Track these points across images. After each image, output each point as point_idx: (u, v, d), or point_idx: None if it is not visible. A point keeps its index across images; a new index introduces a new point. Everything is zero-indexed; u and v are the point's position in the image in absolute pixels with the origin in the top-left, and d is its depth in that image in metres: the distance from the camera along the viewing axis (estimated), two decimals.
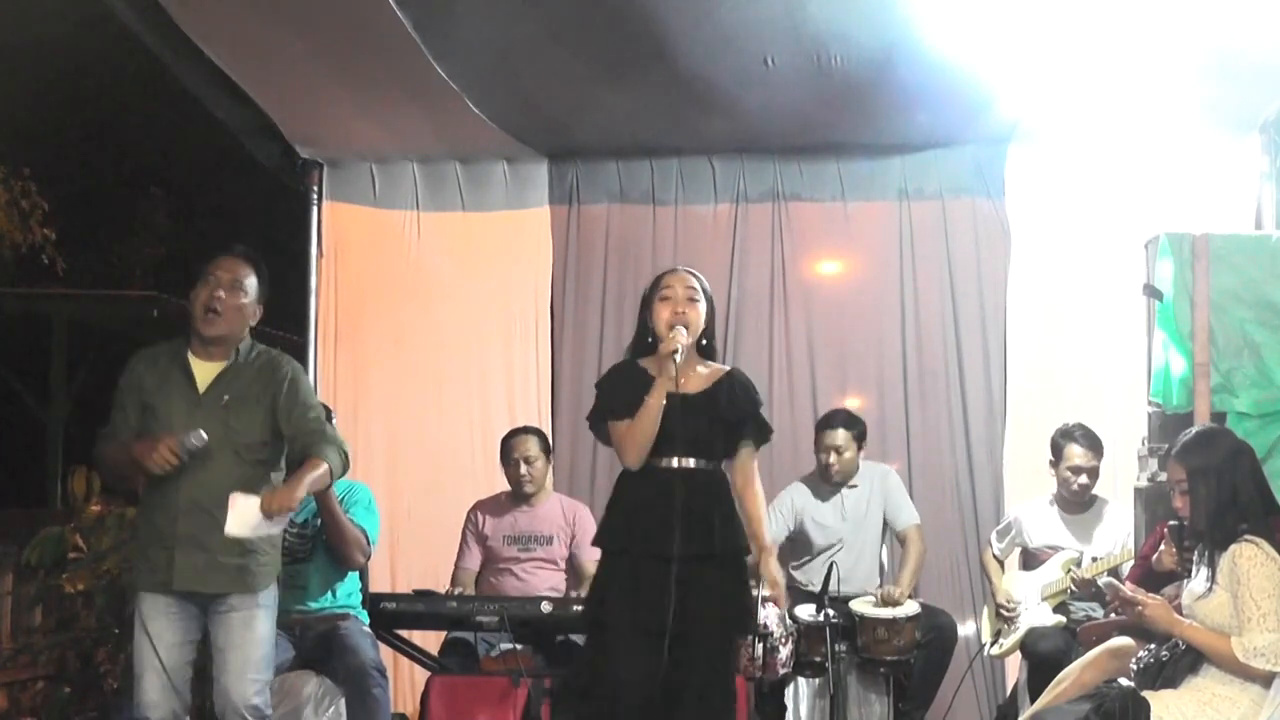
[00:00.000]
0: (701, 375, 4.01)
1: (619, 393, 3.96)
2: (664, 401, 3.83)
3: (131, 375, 4.09)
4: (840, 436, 5.54)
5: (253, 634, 3.99)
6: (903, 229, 6.26)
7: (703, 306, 3.99)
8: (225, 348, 4.09)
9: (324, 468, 4.00)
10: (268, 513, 3.83)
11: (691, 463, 3.90)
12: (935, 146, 6.18)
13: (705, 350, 4.05)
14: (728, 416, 3.96)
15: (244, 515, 3.84)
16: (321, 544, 4.96)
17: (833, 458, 5.55)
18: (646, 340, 3.99)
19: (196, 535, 3.94)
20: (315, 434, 4.06)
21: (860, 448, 5.61)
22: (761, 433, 4.06)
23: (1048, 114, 5.76)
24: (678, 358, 3.84)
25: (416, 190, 6.48)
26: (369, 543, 4.97)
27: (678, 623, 3.76)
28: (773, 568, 3.99)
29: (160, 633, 3.96)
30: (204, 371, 4.06)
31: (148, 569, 4.00)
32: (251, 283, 4.09)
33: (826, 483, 5.62)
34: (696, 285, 4.00)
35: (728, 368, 4.11)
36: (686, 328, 3.92)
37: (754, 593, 4.80)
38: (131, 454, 3.94)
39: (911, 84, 5.38)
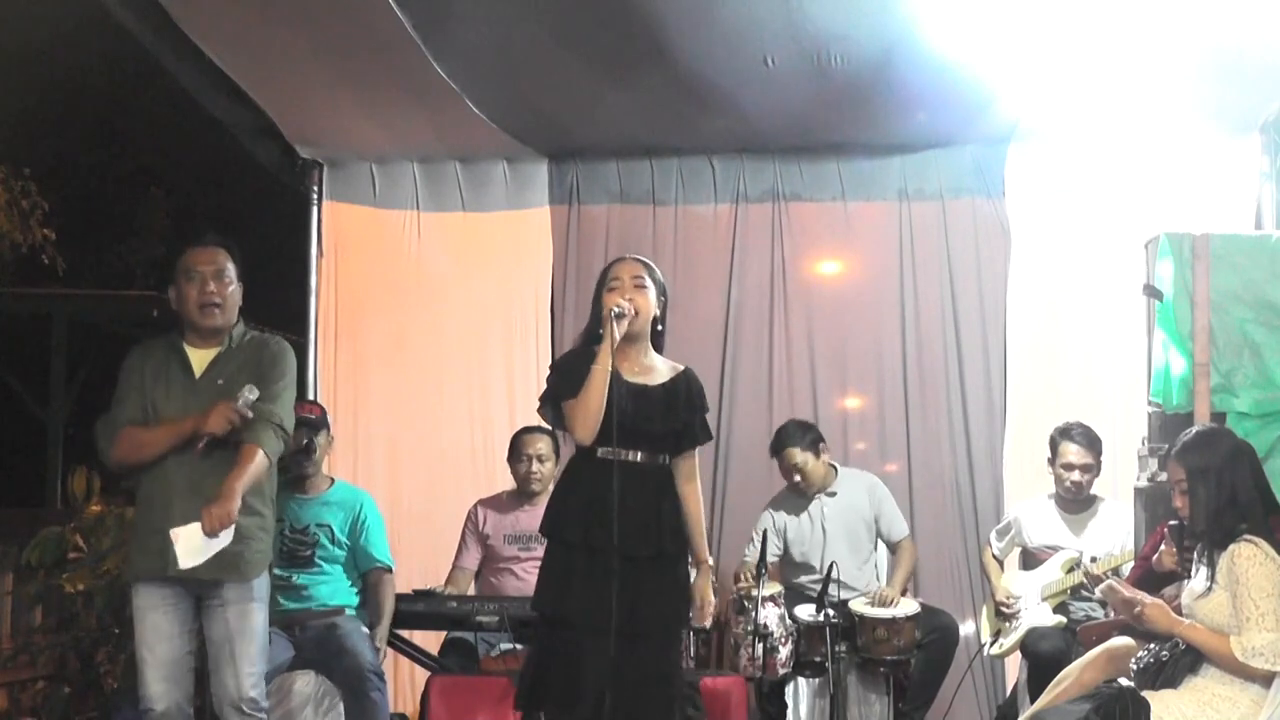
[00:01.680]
0: (657, 369, 4.02)
1: (571, 374, 3.94)
2: (609, 367, 3.82)
3: (131, 365, 4.13)
4: (796, 456, 5.52)
5: (247, 626, 4.01)
6: (903, 229, 6.26)
7: (652, 293, 3.99)
8: (221, 334, 4.14)
9: (259, 456, 3.98)
10: (210, 532, 3.85)
11: (642, 457, 3.90)
12: (935, 146, 6.18)
13: (657, 339, 4.06)
14: (685, 415, 3.97)
15: (191, 544, 3.86)
16: (322, 550, 4.97)
17: (796, 477, 5.55)
18: (598, 331, 3.96)
19: (192, 521, 3.93)
20: (260, 415, 4.01)
21: (819, 453, 5.57)
22: (706, 435, 4.08)
23: (1047, 114, 5.76)
24: (615, 311, 3.85)
25: (417, 190, 6.48)
26: (391, 571, 5.07)
27: (629, 620, 3.76)
28: (707, 586, 4.00)
29: (158, 624, 3.99)
30: (199, 358, 4.12)
31: (143, 556, 4.02)
32: (232, 268, 4.15)
33: (800, 496, 5.61)
34: (643, 273, 4.01)
35: (682, 367, 4.10)
36: (637, 314, 3.92)
37: (753, 593, 4.82)
38: (184, 428, 3.95)
39: (911, 84, 5.38)
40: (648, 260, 4.09)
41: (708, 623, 4.16)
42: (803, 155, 6.30)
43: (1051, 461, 5.44)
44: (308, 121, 6.09)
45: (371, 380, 6.41)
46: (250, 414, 3.94)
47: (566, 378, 3.96)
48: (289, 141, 6.25)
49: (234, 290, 4.14)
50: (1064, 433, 5.40)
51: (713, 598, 4.05)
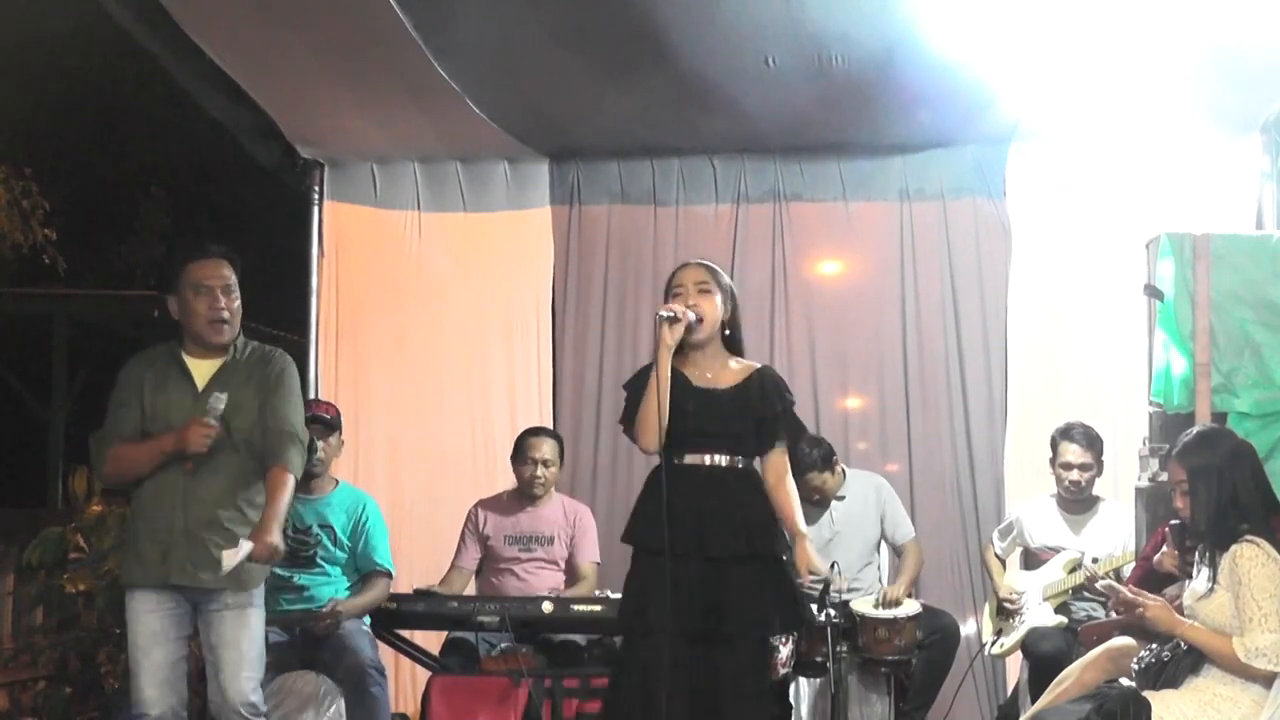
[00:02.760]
0: (732, 370, 3.98)
1: (639, 387, 3.93)
2: (666, 373, 3.79)
3: (131, 374, 4.12)
4: (816, 479, 5.51)
5: (246, 631, 4.01)
6: (904, 229, 6.26)
7: (718, 297, 3.95)
8: (226, 347, 4.13)
9: (289, 480, 4.02)
10: (258, 560, 3.89)
11: (724, 460, 3.87)
12: (936, 146, 6.18)
13: (730, 342, 4.02)
14: (760, 413, 3.92)
15: (236, 559, 3.86)
16: (324, 551, 4.97)
17: (816, 496, 5.54)
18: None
19: (193, 531, 3.96)
20: (282, 433, 4.05)
21: (833, 468, 5.58)
22: (795, 430, 4.03)
23: (1049, 114, 5.76)
24: (662, 315, 3.83)
25: (417, 190, 6.48)
26: (390, 576, 5.07)
27: (714, 624, 3.74)
28: (810, 554, 3.91)
29: (154, 628, 3.99)
30: (201, 370, 4.10)
31: (141, 564, 4.01)
32: (235, 280, 4.15)
33: (812, 504, 5.60)
34: (707, 276, 3.97)
35: (759, 365, 4.06)
36: (702, 320, 3.89)
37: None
38: (165, 446, 3.97)
39: (912, 84, 5.38)
40: (713, 265, 4.05)
41: (809, 580, 4.06)
42: (804, 155, 6.30)
43: (1052, 461, 5.44)
44: (308, 122, 6.08)
45: (372, 381, 6.40)
46: (216, 425, 3.92)
47: (635, 392, 3.94)
48: (289, 141, 6.24)
49: (239, 304, 4.14)
50: (1064, 433, 5.40)
51: (810, 560, 3.91)
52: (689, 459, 3.85)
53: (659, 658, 3.69)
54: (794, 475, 5.42)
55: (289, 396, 4.13)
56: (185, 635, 4.06)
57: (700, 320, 3.90)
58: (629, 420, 3.97)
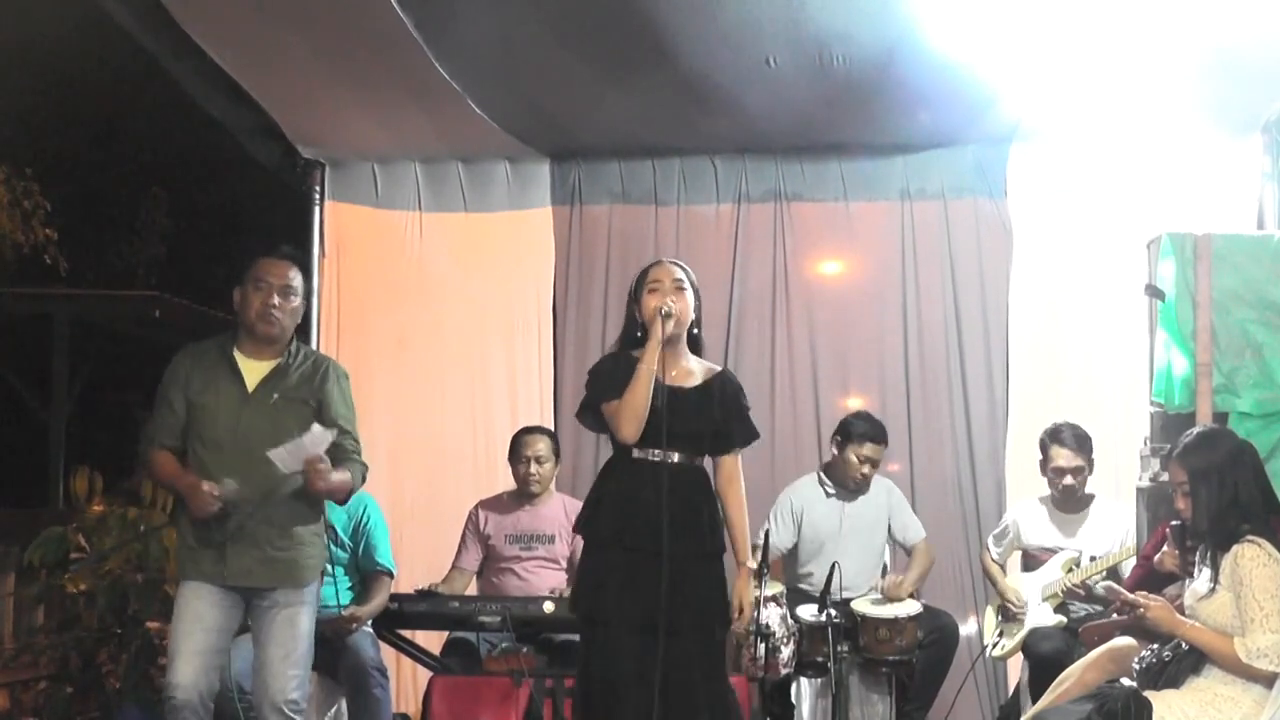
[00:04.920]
0: (694, 371, 4.04)
1: (611, 377, 3.97)
2: (655, 366, 3.85)
3: (177, 372, 4.14)
4: (873, 449, 5.52)
5: (295, 630, 4.04)
6: (905, 229, 6.26)
7: (690, 296, 4.02)
8: (276, 347, 4.15)
9: (345, 483, 4.13)
10: (311, 490, 4.00)
11: (679, 457, 3.92)
12: (937, 146, 6.18)
13: (694, 341, 4.08)
14: (719, 415, 3.98)
15: (294, 455, 3.95)
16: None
17: (866, 469, 5.54)
18: (635, 333, 4.01)
19: (248, 532, 3.99)
20: (348, 458, 4.16)
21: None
22: (748, 436, 4.09)
23: (1050, 114, 5.76)
24: (664, 310, 3.88)
25: (419, 190, 6.48)
26: (391, 576, 5.11)
27: (668, 617, 3.76)
28: (746, 590, 3.99)
29: (202, 614, 4.01)
30: (252, 370, 4.13)
31: (195, 564, 4.04)
32: (299, 283, 4.20)
33: (840, 486, 5.60)
34: (683, 275, 4.04)
35: (719, 368, 4.14)
36: (679, 318, 3.95)
37: (754, 593, 4.82)
38: (178, 486, 4.07)
39: (913, 83, 5.38)
40: (682, 264, 4.11)
41: (741, 627, 4.11)
42: (805, 155, 6.30)
43: (1043, 464, 5.42)
44: (309, 122, 6.08)
45: (373, 380, 6.39)
46: (222, 504, 3.96)
47: (606, 380, 3.98)
48: (290, 141, 6.24)
49: (297, 306, 4.17)
50: (1053, 435, 5.36)
51: (752, 600, 4.03)
52: (650, 454, 3.90)
53: (616, 648, 3.76)
54: (871, 439, 5.50)
55: (346, 414, 4.21)
56: (231, 629, 4.09)
57: (678, 318, 3.96)
58: (593, 408, 4.02)
